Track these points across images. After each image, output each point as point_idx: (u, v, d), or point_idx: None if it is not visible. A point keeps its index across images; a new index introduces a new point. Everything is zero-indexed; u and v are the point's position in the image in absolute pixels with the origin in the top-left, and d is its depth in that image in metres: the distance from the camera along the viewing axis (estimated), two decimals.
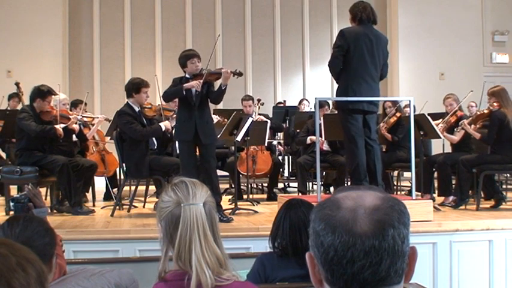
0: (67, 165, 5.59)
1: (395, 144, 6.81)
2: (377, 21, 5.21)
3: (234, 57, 10.65)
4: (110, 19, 10.77)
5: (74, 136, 6.31)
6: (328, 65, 5.18)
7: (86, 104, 7.09)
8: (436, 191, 6.42)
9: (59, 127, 5.72)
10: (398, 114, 6.84)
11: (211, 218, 1.80)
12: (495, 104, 5.82)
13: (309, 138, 7.01)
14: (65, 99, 6.46)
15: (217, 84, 5.39)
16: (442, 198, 6.20)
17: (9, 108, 7.46)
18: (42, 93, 5.69)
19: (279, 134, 8.16)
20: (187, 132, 5.20)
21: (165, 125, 5.67)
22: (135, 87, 5.62)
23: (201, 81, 5.12)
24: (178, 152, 6.52)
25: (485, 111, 5.95)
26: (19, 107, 7.07)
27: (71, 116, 6.06)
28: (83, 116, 6.50)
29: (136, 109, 5.64)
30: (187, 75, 5.30)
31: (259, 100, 7.82)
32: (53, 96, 5.82)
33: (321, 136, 6.48)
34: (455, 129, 6.34)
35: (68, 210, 5.66)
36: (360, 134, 5.13)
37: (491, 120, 5.83)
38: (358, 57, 5.02)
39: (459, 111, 6.41)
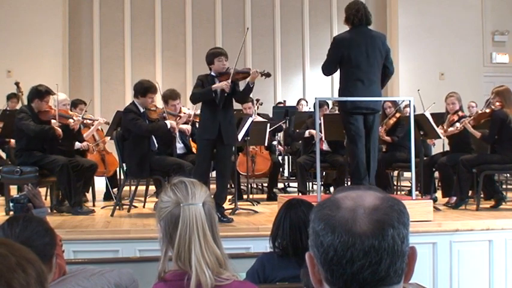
0: (67, 165, 5.59)
1: (395, 144, 6.81)
2: (371, 22, 5.25)
3: (234, 57, 10.63)
4: (110, 19, 10.77)
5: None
6: (321, 67, 5.35)
7: (85, 104, 7.10)
8: (440, 192, 6.43)
9: (58, 129, 5.71)
10: (397, 115, 6.84)
11: (211, 218, 1.80)
12: (497, 103, 5.83)
13: (307, 131, 7.00)
14: (65, 99, 6.47)
15: (242, 84, 5.40)
16: (445, 199, 6.21)
17: (8, 109, 7.46)
18: (40, 93, 5.69)
19: (279, 134, 8.16)
20: (211, 131, 5.17)
21: (171, 123, 5.66)
22: (143, 90, 5.62)
23: (229, 81, 5.09)
24: (178, 152, 6.54)
25: (487, 111, 5.95)
26: (18, 106, 7.06)
27: (74, 117, 6.07)
28: (83, 118, 6.51)
29: (141, 110, 5.65)
30: (212, 73, 5.29)
31: (257, 100, 7.83)
32: (51, 96, 5.82)
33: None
34: (455, 125, 6.33)
35: (68, 210, 5.66)
36: (359, 134, 5.20)
37: (493, 119, 5.84)
38: (353, 61, 5.09)
39: (460, 112, 6.40)
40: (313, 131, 6.87)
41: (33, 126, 5.54)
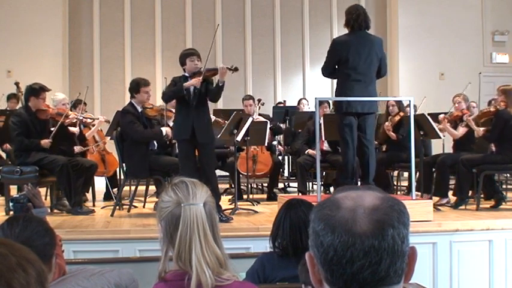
0: (67, 165, 5.60)
1: (395, 144, 6.80)
2: (370, 27, 5.41)
3: (234, 58, 10.64)
4: (110, 19, 10.77)
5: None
6: (321, 69, 5.50)
7: (85, 103, 7.09)
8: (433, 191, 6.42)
9: (45, 141, 5.68)
10: (401, 114, 6.84)
11: (211, 218, 1.80)
12: (502, 103, 5.84)
13: (307, 151, 6.98)
14: (64, 99, 6.49)
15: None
16: (437, 199, 6.20)
17: (8, 109, 7.46)
18: (34, 91, 5.73)
19: (279, 136, 8.17)
20: (185, 131, 5.20)
21: (166, 130, 5.69)
22: (136, 87, 5.67)
23: (201, 78, 5.11)
24: (177, 151, 6.54)
25: (491, 109, 5.95)
26: (18, 107, 7.07)
27: (70, 115, 6.08)
28: (83, 117, 6.51)
29: (139, 109, 5.67)
30: (186, 74, 5.31)
31: (259, 100, 7.83)
32: (47, 93, 5.85)
33: (320, 136, 6.49)
34: (458, 125, 6.34)
35: (68, 210, 5.67)
36: (351, 135, 5.31)
37: (497, 118, 5.83)
38: (350, 63, 5.20)
39: (466, 110, 6.42)
40: (311, 151, 6.85)
41: (18, 142, 5.58)
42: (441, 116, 6.41)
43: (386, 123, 6.80)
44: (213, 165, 5.46)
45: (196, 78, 5.15)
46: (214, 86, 5.27)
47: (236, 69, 5.32)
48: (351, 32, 5.30)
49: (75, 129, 6.28)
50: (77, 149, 6.40)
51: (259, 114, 7.56)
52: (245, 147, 6.77)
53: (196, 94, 5.22)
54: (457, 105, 6.45)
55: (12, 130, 5.65)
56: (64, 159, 5.67)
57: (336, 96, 5.47)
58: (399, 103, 7.01)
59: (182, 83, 5.21)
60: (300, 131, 7.61)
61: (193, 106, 5.21)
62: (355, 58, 5.19)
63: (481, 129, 6.00)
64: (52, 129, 5.83)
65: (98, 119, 6.92)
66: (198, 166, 5.37)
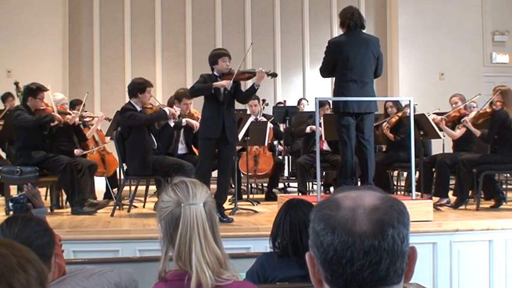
0: (71, 164, 5.61)
1: (395, 144, 6.80)
2: (365, 26, 5.44)
3: (234, 57, 10.60)
4: (110, 19, 10.76)
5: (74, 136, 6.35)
6: (319, 70, 5.55)
7: (84, 104, 7.09)
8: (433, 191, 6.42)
9: (59, 116, 5.74)
10: (400, 114, 6.84)
11: (211, 218, 1.80)
12: (498, 103, 5.84)
13: (309, 127, 7.00)
14: (63, 99, 6.49)
15: (245, 84, 5.44)
16: (437, 199, 6.20)
17: (9, 108, 7.44)
18: (32, 91, 5.74)
19: (280, 141, 8.15)
20: (215, 129, 5.19)
21: (169, 109, 5.71)
22: (141, 86, 5.68)
23: (231, 81, 5.14)
24: (179, 152, 6.53)
25: (488, 110, 5.96)
26: (16, 104, 7.06)
27: (70, 112, 6.10)
28: (83, 115, 6.51)
29: (138, 109, 5.67)
30: (215, 73, 5.32)
31: (264, 100, 7.81)
32: (45, 93, 5.85)
33: (320, 136, 6.48)
34: (456, 126, 6.34)
35: (86, 211, 5.67)
36: (349, 135, 5.32)
37: (493, 119, 5.83)
38: (346, 63, 5.22)
39: (463, 110, 6.42)
40: (314, 127, 6.85)
41: (30, 118, 5.58)
42: (440, 117, 6.36)
43: (384, 123, 6.79)
44: (232, 165, 5.53)
45: (227, 79, 5.18)
46: (249, 88, 5.33)
47: (275, 75, 5.43)
48: (347, 33, 5.32)
49: (75, 120, 6.28)
50: (78, 152, 6.39)
51: (263, 115, 7.56)
52: (245, 148, 6.77)
53: (227, 94, 5.23)
54: (454, 105, 6.46)
55: (19, 117, 5.60)
56: (67, 158, 5.69)
57: (333, 95, 5.48)
58: (397, 104, 7.01)
59: (212, 82, 5.21)
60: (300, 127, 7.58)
61: (224, 106, 5.22)
62: (351, 58, 5.20)
63: (478, 132, 6.00)
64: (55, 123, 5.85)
65: (98, 117, 6.92)
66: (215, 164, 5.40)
